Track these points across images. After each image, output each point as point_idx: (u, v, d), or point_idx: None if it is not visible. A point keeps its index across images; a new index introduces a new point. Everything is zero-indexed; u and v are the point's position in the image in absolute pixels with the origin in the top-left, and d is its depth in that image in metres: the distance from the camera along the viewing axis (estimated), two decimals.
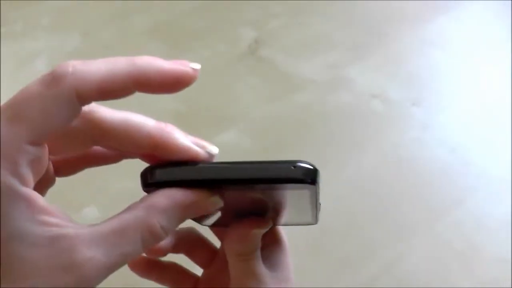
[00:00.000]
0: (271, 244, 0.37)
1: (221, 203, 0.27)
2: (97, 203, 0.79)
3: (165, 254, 0.35)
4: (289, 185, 0.27)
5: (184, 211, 0.26)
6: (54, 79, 0.23)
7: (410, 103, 0.94)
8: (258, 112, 0.92)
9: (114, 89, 0.23)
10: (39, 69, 0.98)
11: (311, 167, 0.27)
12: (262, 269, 0.35)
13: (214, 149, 0.27)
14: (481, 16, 1.11)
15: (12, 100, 0.23)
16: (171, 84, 0.24)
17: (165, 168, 0.26)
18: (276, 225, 0.39)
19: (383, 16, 1.10)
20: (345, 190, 0.80)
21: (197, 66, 0.25)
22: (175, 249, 0.36)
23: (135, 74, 0.23)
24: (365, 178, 0.82)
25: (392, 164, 0.85)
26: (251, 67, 1.00)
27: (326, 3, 1.12)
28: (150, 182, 0.26)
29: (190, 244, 0.37)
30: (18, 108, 0.22)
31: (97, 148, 0.28)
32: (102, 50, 1.01)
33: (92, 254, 0.23)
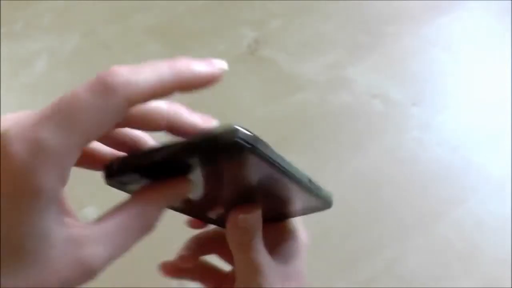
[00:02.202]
0: (283, 238, 0.38)
1: (195, 185, 0.29)
2: (97, 203, 0.79)
3: (194, 263, 0.39)
4: (229, 153, 0.27)
5: (169, 199, 0.28)
6: (106, 89, 0.23)
7: (410, 103, 0.94)
8: (258, 112, 0.92)
9: (160, 96, 0.25)
10: (39, 69, 0.98)
11: (242, 130, 0.26)
12: (262, 260, 0.36)
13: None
14: (481, 16, 1.11)
15: (63, 107, 0.23)
16: (205, 85, 0.27)
17: (126, 161, 0.28)
18: (288, 217, 0.39)
19: (383, 16, 1.10)
20: (345, 190, 0.80)
21: (225, 65, 0.27)
22: (207, 250, 0.39)
23: (179, 82, 0.25)
24: (365, 178, 0.82)
25: (392, 164, 0.85)
26: (251, 67, 1.00)
27: (326, 3, 1.12)
28: (114, 173, 0.28)
29: (220, 243, 0.38)
30: (71, 115, 0.23)
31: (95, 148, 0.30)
32: (102, 50, 1.01)
33: (97, 250, 0.25)
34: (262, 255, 0.36)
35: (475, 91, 0.97)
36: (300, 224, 0.40)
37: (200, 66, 0.26)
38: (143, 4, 1.10)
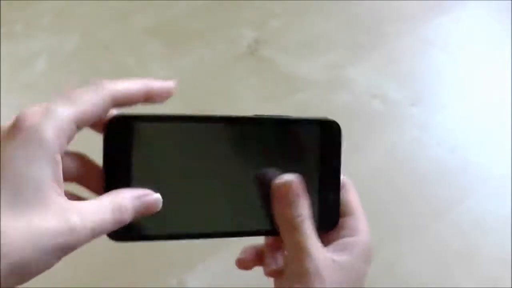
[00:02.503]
0: (342, 234, 0.39)
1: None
2: None
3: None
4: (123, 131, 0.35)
5: (137, 206, 0.34)
6: (98, 85, 0.33)
7: (409, 103, 0.94)
8: (258, 112, 0.92)
9: (133, 99, 0.35)
10: (39, 69, 0.98)
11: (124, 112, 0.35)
12: (309, 242, 0.37)
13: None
14: (481, 16, 1.11)
15: (67, 93, 0.32)
16: (162, 96, 0.36)
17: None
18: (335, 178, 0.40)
19: (383, 16, 1.10)
20: None
21: (175, 83, 0.37)
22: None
23: (145, 91, 0.35)
24: (365, 178, 0.82)
25: (391, 164, 0.85)
26: (251, 67, 1.00)
27: (326, 3, 1.12)
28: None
29: None
30: (71, 97, 0.32)
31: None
32: (102, 50, 1.01)
33: (81, 221, 0.30)
34: (310, 238, 0.37)
35: (475, 91, 0.97)
36: (363, 224, 0.41)
37: (158, 83, 0.36)
38: (143, 4, 1.10)
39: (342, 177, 0.41)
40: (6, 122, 0.31)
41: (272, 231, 0.38)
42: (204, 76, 0.97)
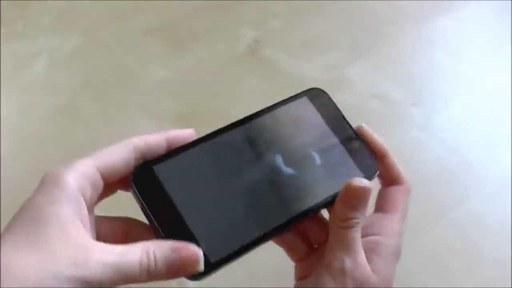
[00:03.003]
0: (371, 223, 0.40)
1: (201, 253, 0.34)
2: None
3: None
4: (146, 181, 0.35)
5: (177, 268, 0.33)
6: (127, 140, 0.36)
7: (409, 103, 0.94)
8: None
9: (152, 143, 0.36)
10: (39, 69, 0.98)
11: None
12: (357, 243, 0.38)
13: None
14: (481, 16, 1.11)
15: (98, 151, 0.35)
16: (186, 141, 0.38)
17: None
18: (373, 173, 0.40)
19: (383, 16, 1.10)
20: None
21: (192, 131, 0.39)
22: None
23: (167, 136, 0.37)
24: None
25: None
26: (251, 67, 1.00)
27: (326, 3, 1.12)
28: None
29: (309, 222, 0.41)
30: (95, 152, 0.35)
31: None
32: (102, 50, 1.01)
33: (100, 257, 0.30)
34: (359, 240, 0.38)
35: (475, 91, 0.97)
36: (395, 225, 0.41)
37: (179, 131, 0.38)
38: (143, 4, 1.10)
39: (402, 175, 0.42)
40: None
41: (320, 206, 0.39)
42: (204, 76, 0.97)
